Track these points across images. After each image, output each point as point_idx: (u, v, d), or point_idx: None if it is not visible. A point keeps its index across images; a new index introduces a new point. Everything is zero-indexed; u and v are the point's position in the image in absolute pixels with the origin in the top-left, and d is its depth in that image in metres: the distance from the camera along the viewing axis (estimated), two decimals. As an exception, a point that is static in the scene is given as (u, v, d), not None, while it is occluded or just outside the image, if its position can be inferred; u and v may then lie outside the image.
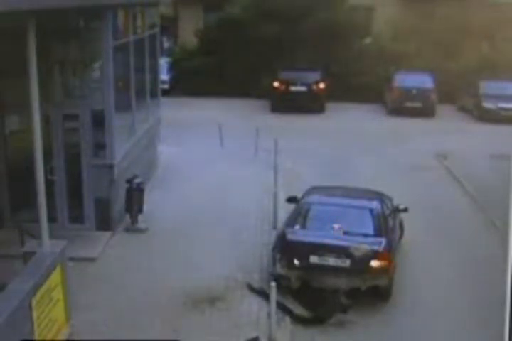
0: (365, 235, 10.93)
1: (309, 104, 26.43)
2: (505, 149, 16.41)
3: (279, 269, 10.72)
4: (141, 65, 15.76)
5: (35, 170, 8.72)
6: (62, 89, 12.81)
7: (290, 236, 10.94)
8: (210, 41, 29.82)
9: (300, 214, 11.57)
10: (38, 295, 8.09)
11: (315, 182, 16.83)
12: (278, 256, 10.80)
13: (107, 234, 12.67)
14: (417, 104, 26.40)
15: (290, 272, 10.63)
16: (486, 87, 26.13)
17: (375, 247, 10.59)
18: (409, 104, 26.39)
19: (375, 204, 11.76)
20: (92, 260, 11.63)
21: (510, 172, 7.33)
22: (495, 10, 28.36)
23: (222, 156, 18.81)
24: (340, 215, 11.29)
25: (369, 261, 10.42)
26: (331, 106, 26.64)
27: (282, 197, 13.58)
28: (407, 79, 26.80)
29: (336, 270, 10.42)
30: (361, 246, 10.53)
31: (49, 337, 8.41)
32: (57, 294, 8.78)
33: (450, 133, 22.96)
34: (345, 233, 10.87)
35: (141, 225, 13.23)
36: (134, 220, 13.20)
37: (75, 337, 9.15)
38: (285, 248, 10.85)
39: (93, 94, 12.78)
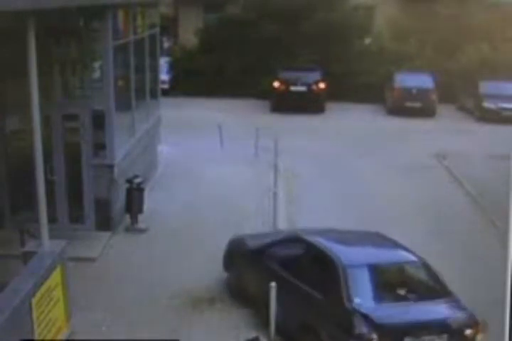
0: (434, 297, 9.13)
1: (309, 104, 26.42)
2: (505, 149, 16.41)
3: None
4: (141, 64, 15.76)
5: (35, 170, 8.72)
6: (62, 89, 12.80)
7: (378, 319, 8.37)
8: (210, 41, 29.83)
9: (344, 281, 8.78)
10: (38, 295, 8.08)
11: (315, 182, 16.90)
12: None
13: (107, 234, 12.66)
14: (417, 104, 26.40)
15: None
16: (486, 87, 26.13)
17: (468, 313, 8.90)
18: (409, 104, 26.39)
19: (417, 256, 9.55)
20: (92, 260, 11.62)
21: (510, 173, 7.33)
22: (495, 10, 28.40)
23: (222, 156, 18.80)
24: (392, 275, 9.42)
25: (464, 331, 8.66)
26: (331, 106, 26.63)
27: (282, 197, 13.58)
28: (408, 79, 26.80)
29: None
30: (458, 315, 8.83)
31: (49, 337, 8.41)
32: (57, 294, 8.78)
33: (450, 133, 22.97)
34: (415, 299, 8.99)
35: (141, 225, 13.22)
36: (134, 220, 13.20)
37: (75, 337, 9.15)
38: (371, 334, 8.28)
39: (93, 94, 12.78)
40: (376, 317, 8.41)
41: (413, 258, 9.47)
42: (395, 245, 9.96)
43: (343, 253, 9.40)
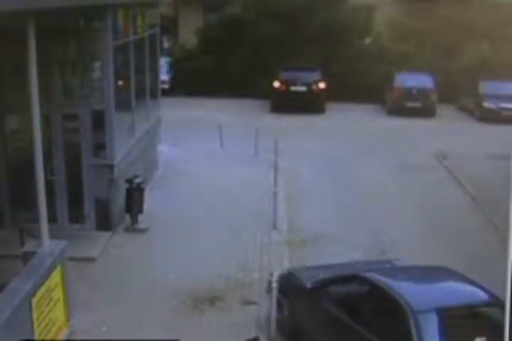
0: None
1: (309, 104, 26.43)
2: (505, 149, 16.42)
3: None
4: (141, 64, 15.76)
5: (35, 170, 8.72)
6: (62, 89, 12.80)
7: None
8: (210, 41, 29.85)
9: (415, 329, 7.41)
10: (38, 295, 8.08)
11: (315, 182, 16.90)
12: None
13: (107, 234, 12.66)
14: (417, 104, 26.42)
15: None
16: (486, 87, 26.15)
17: None
18: (409, 104, 26.40)
19: (495, 295, 7.94)
20: (92, 260, 11.62)
21: (510, 172, 7.33)
22: (495, 10, 28.41)
23: (222, 156, 18.81)
24: (468, 321, 7.93)
25: None
26: (331, 106, 26.64)
27: (282, 196, 13.57)
28: (407, 79, 26.81)
29: None
30: None
31: (49, 337, 8.41)
32: (57, 294, 8.78)
33: (450, 133, 22.98)
34: None
35: (141, 225, 13.22)
36: (134, 220, 13.20)
37: (75, 337, 9.15)
38: None
39: (93, 94, 12.78)
40: None
41: (492, 298, 7.96)
42: (468, 283, 8.56)
43: (412, 295, 7.94)
